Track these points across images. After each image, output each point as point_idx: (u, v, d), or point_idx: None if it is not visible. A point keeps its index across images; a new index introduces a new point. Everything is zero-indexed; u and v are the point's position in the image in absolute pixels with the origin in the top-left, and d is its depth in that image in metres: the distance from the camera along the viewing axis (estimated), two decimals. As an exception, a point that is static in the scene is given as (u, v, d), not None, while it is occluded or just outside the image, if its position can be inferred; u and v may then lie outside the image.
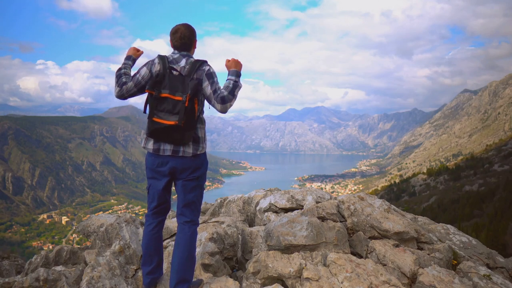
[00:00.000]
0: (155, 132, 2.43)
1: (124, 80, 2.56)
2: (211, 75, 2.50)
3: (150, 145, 2.56)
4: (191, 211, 2.66)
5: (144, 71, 2.55)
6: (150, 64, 2.57)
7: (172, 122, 2.35)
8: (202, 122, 2.65)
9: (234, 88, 2.48)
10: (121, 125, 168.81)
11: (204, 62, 2.54)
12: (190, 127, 2.43)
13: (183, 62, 2.53)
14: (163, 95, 2.37)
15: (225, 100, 2.42)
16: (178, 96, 2.36)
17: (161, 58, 2.54)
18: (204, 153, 2.69)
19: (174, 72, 2.48)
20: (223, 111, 2.44)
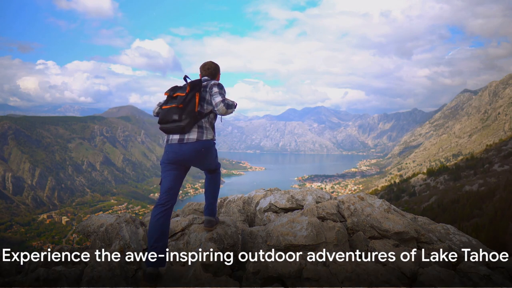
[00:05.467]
0: (162, 116, 2.96)
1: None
2: (219, 85, 3.10)
3: (165, 139, 3.10)
4: (214, 167, 3.44)
5: (156, 107, 3.33)
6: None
7: (173, 105, 2.93)
8: (208, 120, 3.16)
9: (233, 104, 3.11)
10: (121, 125, 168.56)
11: (212, 79, 3.22)
12: (189, 113, 2.92)
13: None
14: (175, 94, 2.99)
15: (230, 107, 3.01)
16: (183, 93, 2.96)
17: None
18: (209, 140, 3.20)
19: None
20: (225, 113, 2.99)
